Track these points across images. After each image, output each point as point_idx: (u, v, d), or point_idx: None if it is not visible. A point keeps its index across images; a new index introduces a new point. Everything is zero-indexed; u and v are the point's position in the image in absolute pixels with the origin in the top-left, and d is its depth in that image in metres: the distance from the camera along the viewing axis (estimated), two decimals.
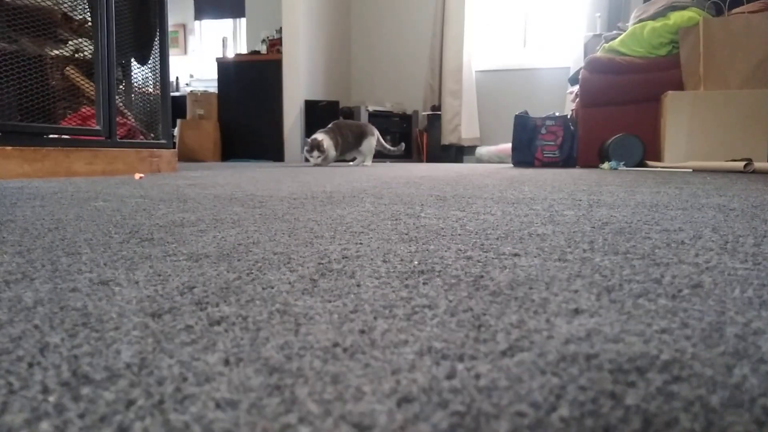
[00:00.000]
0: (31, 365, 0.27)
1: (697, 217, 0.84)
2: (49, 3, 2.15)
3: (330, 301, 0.38)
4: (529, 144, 3.76)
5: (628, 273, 0.46)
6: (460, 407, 0.23)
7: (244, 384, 0.25)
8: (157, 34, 2.61)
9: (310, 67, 5.35)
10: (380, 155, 5.62)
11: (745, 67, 3.01)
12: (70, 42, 2.28)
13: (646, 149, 3.25)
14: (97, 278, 0.45)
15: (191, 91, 6.45)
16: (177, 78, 7.15)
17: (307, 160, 3.75)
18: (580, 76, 3.65)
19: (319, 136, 3.60)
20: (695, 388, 0.24)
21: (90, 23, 2.29)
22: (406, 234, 0.68)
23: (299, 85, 5.20)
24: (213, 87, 6.13)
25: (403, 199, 1.16)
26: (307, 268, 0.49)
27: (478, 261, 0.51)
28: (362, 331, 0.32)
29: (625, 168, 3.16)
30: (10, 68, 1.97)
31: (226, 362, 0.28)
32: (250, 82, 5.51)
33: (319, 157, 3.55)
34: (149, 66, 2.59)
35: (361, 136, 3.87)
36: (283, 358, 0.28)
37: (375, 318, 0.35)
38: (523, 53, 5.65)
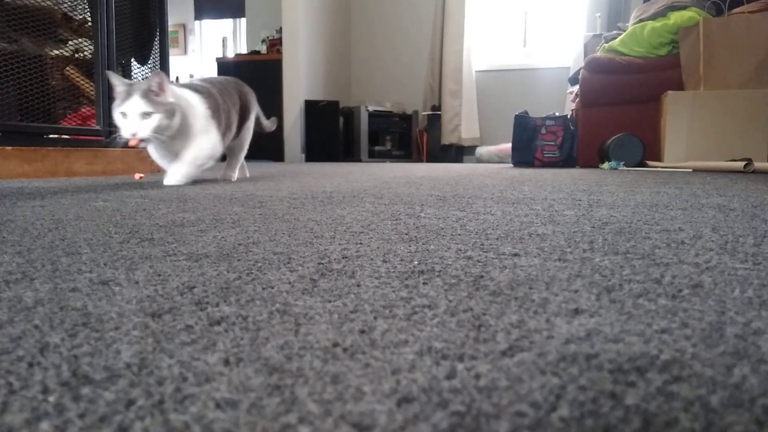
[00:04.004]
0: (31, 365, 0.27)
1: (697, 217, 0.84)
2: (49, 3, 2.15)
3: (330, 301, 0.38)
4: (529, 144, 3.75)
5: (628, 273, 0.46)
6: (460, 407, 0.23)
7: (244, 384, 0.25)
8: (157, 34, 2.61)
9: (310, 67, 5.35)
10: (381, 155, 5.65)
11: (745, 67, 3.01)
12: (70, 42, 2.28)
13: (646, 149, 3.25)
14: (97, 278, 0.45)
15: None
16: (177, 78, 7.15)
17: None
18: (580, 76, 3.65)
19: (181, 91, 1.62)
20: (695, 388, 0.24)
21: (90, 23, 2.29)
22: (406, 234, 0.68)
23: (299, 85, 5.20)
24: None
25: (403, 199, 1.16)
26: (307, 268, 0.49)
27: (478, 261, 0.51)
28: (362, 331, 0.32)
29: (625, 168, 3.15)
30: (10, 68, 1.97)
31: (226, 362, 0.27)
32: (250, 82, 5.49)
33: (133, 135, 1.50)
34: (149, 66, 2.59)
35: (245, 109, 1.92)
36: (283, 358, 0.28)
37: (375, 318, 0.35)
38: (523, 53, 5.65)
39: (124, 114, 1.49)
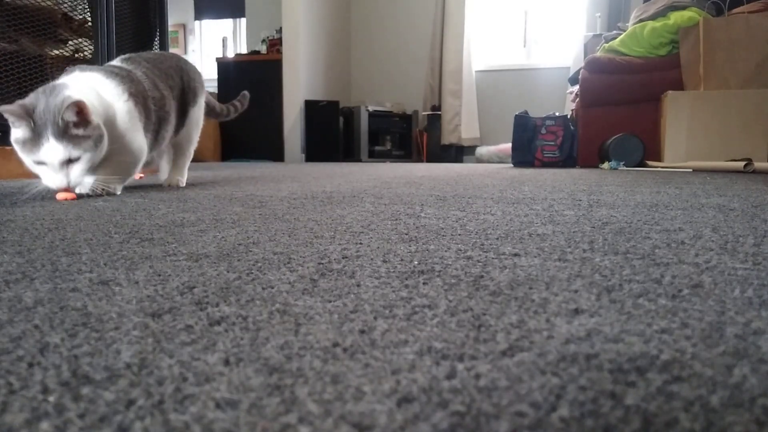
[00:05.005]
0: (31, 365, 0.27)
1: (697, 217, 0.84)
2: (49, 3, 2.15)
3: (330, 301, 0.38)
4: (529, 144, 3.75)
5: (628, 273, 0.46)
6: (460, 407, 0.23)
7: (244, 384, 0.25)
8: (157, 34, 2.61)
9: (310, 67, 5.35)
10: (381, 155, 5.64)
11: (745, 67, 3.01)
12: (70, 42, 2.28)
13: (646, 149, 3.25)
14: (97, 278, 0.45)
15: None
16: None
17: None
18: (580, 76, 3.65)
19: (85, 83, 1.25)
20: (695, 388, 0.24)
21: (90, 23, 2.29)
22: (406, 234, 0.68)
23: (299, 85, 5.20)
24: (213, 87, 6.12)
25: (403, 199, 1.16)
26: (307, 268, 0.49)
27: (478, 261, 0.51)
28: (362, 331, 0.32)
29: (625, 168, 3.15)
30: (10, 68, 1.97)
31: (226, 362, 0.27)
32: (250, 82, 5.51)
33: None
34: None
35: (189, 93, 1.55)
36: (283, 358, 0.28)
37: (375, 318, 0.35)
38: (523, 53, 5.65)
39: (40, 163, 1.13)
